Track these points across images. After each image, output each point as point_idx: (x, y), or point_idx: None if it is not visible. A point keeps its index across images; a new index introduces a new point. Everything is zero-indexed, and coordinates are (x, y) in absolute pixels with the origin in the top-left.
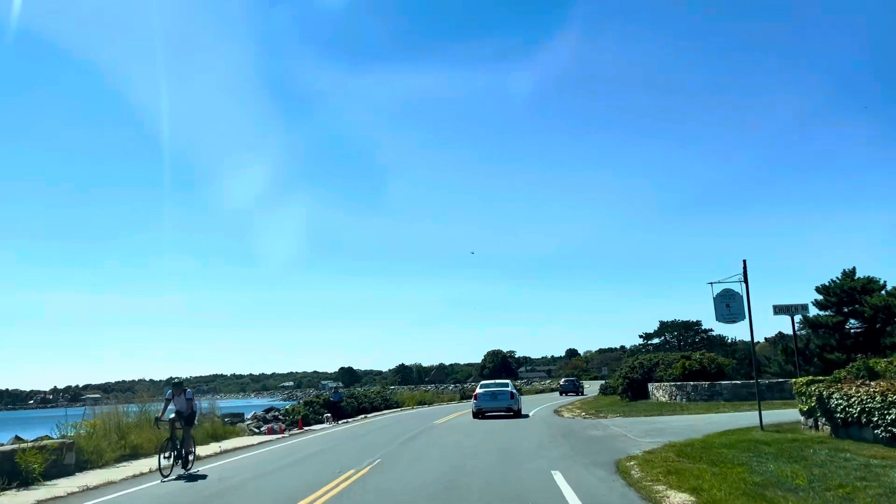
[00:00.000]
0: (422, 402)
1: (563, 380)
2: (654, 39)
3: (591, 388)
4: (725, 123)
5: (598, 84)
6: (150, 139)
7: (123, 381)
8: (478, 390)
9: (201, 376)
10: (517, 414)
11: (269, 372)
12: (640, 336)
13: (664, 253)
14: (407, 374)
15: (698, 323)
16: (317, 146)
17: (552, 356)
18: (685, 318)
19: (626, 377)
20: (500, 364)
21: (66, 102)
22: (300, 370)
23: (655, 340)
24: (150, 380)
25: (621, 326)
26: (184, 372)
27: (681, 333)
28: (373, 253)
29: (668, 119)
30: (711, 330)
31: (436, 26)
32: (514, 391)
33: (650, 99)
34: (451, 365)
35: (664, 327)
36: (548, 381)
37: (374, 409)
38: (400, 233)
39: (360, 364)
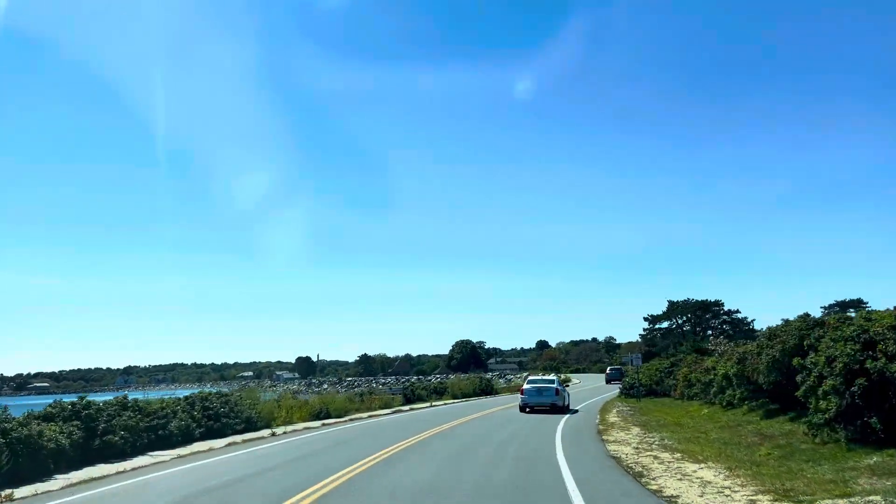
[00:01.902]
0: (319, 416)
1: (609, 368)
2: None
3: (584, 383)
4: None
5: (596, 84)
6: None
7: (78, 370)
8: (524, 386)
9: (161, 365)
10: (563, 410)
11: (231, 361)
12: (646, 319)
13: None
14: (370, 365)
15: (718, 303)
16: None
17: (522, 348)
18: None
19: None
20: (469, 355)
21: (68, 102)
22: (264, 360)
23: (664, 324)
24: (108, 368)
25: (594, 317)
26: (143, 360)
27: (695, 315)
28: (352, 245)
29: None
30: (737, 311)
31: (441, 25)
32: (560, 387)
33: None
34: (418, 356)
35: (674, 309)
36: (523, 375)
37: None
38: (380, 227)
39: (327, 354)
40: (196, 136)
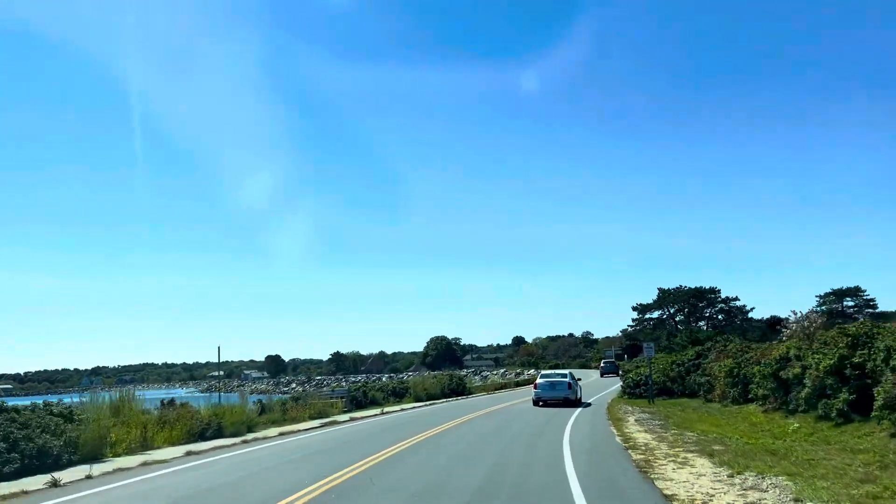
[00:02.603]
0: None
1: (603, 361)
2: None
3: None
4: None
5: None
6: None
7: (45, 371)
8: (538, 380)
9: (130, 365)
10: (576, 403)
11: (203, 361)
12: (635, 308)
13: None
14: (342, 363)
15: (714, 291)
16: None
17: (498, 344)
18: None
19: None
20: (444, 351)
21: (68, 100)
22: (236, 359)
23: (654, 314)
24: (76, 369)
25: (571, 313)
26: (112, 361)
27: (688, 304)
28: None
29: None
30: (736, 299)
31: (446, 28)
32: (573, 381)
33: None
34: (393, 353)
35: (665, 297)
36: (501, 372)
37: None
38: (371, 227)
39: (301, 353)
40: (193, 132)
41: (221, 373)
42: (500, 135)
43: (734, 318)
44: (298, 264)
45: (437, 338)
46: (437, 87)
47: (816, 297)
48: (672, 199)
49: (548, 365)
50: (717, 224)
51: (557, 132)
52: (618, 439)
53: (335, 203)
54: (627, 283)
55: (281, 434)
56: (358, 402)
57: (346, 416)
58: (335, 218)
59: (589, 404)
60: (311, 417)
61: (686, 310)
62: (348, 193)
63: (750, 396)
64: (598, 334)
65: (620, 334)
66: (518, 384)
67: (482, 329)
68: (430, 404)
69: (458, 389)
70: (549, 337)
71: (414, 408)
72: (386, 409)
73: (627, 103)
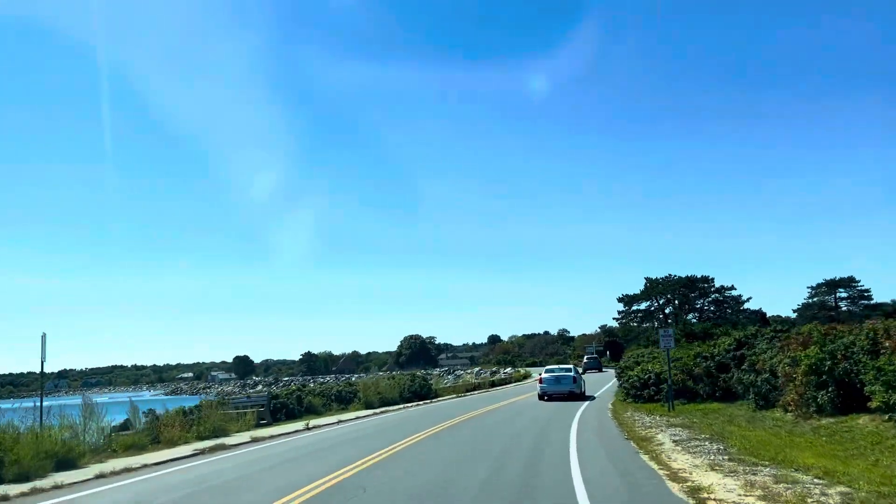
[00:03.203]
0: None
1: (586, 357)
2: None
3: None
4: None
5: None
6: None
7: (9, 374)
8: (543, 375)
9: (98, 368)
10: (580, 397)
11: (173, 363)
12: (620, 300)
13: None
14: (313, 364)
15: (707, 280)
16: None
17: (474, 343)
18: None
19: None
20: (419, 350)
21: (71, 99)
22: (208, 360)
23: (642, 306)
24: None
25: (547, 311)
26: (79, 363)
27: (679, 294)
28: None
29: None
30: (732, 288)
31: (454, 26)
32: (577, 375)
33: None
34: (367, 353)
35: (653, 287)
36: (475, 371)
37: None
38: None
39: (273, 353)
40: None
41: (191, 374)
42: (497, 134)
43: (726, 309)
44: (282, 265)
45: (411, 336)
46: (436, 87)
47: (808, 288)
48: (658, 197)
49: (524, 363)
50: (710, 222)
51: (548, 131)
52: (673, 489)
53: (318, 202)
54: (606, 280)
55: (99, 477)
56: (288, 411)
57: (247, 436)
58: (316, 216)
59: (593, 397)
60: (200, 437)
61: (676, 301)
62: (333, 192)
63: (857, 404)
64: (575, 332)
65: (599, 330)
66: (493, 384)
67: (458, 329)
68: (382, 412)
69: (422, 392)
70: (524, 335)
71: (357, 419)
72: (314, 423)
73: (627, 103)
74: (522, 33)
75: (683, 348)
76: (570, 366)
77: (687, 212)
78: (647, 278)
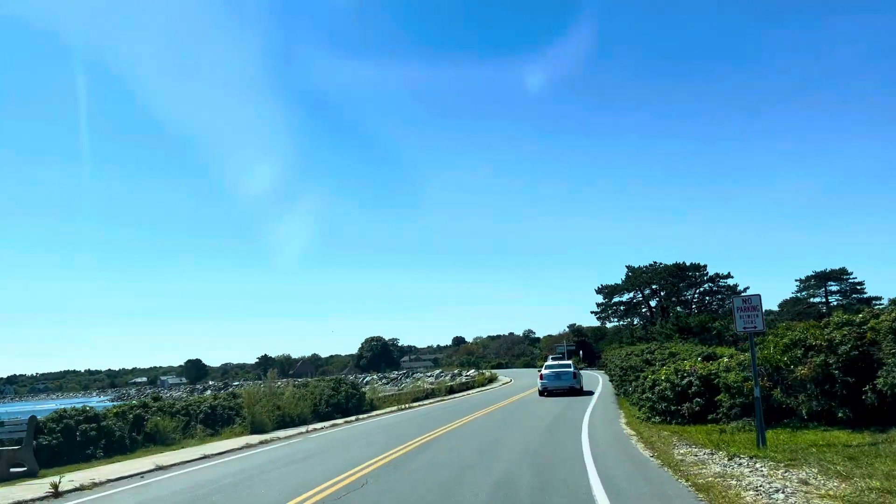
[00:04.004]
0: None
1: (551, 357)
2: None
3: (519, 381)
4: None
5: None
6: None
7: None
8: (543, 371)
9: (50, 373)
10: (580, 392)
11: (129, 367)
12: (599, 291)
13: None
14: (270, 367)
15: (698, 267)
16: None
17: (438, 345)
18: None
19: None
20: (380, 353)
21: (72, 96)
22: (165, 364)
23: (624, 297)
24: None
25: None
26: (30, 368)
27: (667, 284)
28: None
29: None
30: (728, 276)
31: (451, 24)
32: (577, 371)
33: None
34: (330, 357)
35: (636, 277)
36: (436, 373)
37: None
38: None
39: (231, 357)
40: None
41: (145, 379)
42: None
43: (721, 300)
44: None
45: (372, 338)
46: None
47: (796, 281)
48: (637, 194)
49: (489, 364)
50: (701, 219)
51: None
52: None
53: (299, 201)
54: (576, 279)
55: None
56: (110, 443)
57: None
58: (292, 217)
59: (591, 392)
60: None
61: (663, 292)
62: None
63: None
64: (541, 333)
65: (567, 330)
66: (452, 390)
67: (425, 331)
68: (261, 445)
69: (348, 406)
70: (489, 336)
71: (189, 463)
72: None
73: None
74: (519, 29)
75: (818, 329)
76: (569, 362)
77: (666, 208)
78: (628, 266)
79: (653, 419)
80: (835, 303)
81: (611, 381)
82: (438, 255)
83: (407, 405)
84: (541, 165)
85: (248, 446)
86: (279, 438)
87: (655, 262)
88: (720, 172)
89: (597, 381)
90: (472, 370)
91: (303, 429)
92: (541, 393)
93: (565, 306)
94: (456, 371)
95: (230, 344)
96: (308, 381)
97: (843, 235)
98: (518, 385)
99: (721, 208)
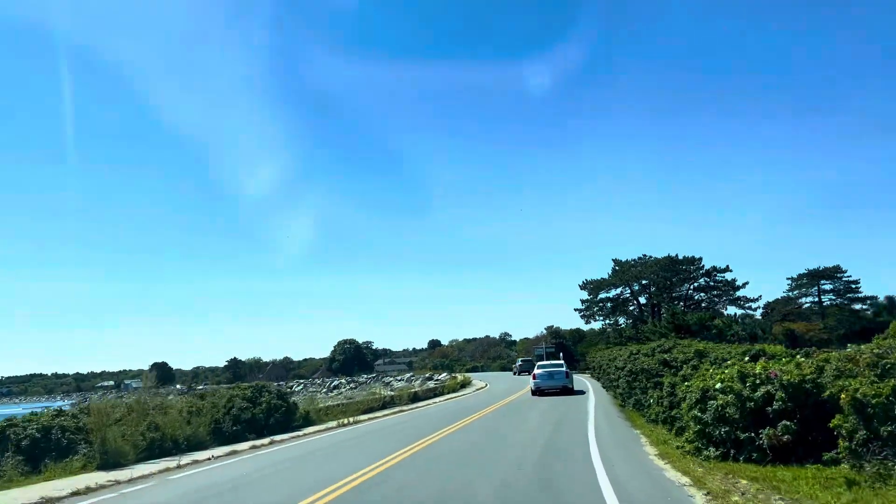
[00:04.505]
0: None
1: (520, 360)
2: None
3: (496, 385)
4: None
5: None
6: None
7: None
8: (536, 371)
9: (15, 376)
10: (572, 391)
11: (98, 370)
12: (584, 286)
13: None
14: (239, 371)
15: (693, 260)
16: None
17: (414, 348)
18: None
19: None
20: (353, 356)
21: (75, 94)
22: (135, 367)
23: (610, 293)
24: None
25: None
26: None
27: (658, 279)
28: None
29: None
30: (726, 269)
31: (453, 23)
32: (569, 371)
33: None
34: (304, 359)
35: (624, 271)
36: (407, 376)
37: None
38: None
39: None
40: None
41: (112, 382)
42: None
43: (719, 297)
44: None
45: (345, 341)
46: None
47: (788, 279)
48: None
49: (464, 367)
50: (695, 212)
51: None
52: None
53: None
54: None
55: None
56: None
57: None
58: (263, 218)
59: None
60: None
61: (653, 287)
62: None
63: None
64: (518, 335)
65: (545, 331)
66: (416, 397)
67: (402, 334)
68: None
69: (274, 421)
70: (465, 339)
71: None
72: None
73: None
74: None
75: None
76: (561, 362)
77: (649, 206)
78: (615, 260)
79: (706, 452)
80: (828, 302)
81: (605, 387)
82: (426, 259)
83: (352, 419)
84: (531, 166)
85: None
86: (125, 481)
87: (645, 255)
88: (721, 171)
89: (585, 386)
90: (445, 373)
91: (175, 461)
92: (534, 392)
93: (545, 307)
94: (426, 375)
95: (203, 347)
96: (217, 390)
97: (840, 231)
98: (494, 391)
99: (719, 203)
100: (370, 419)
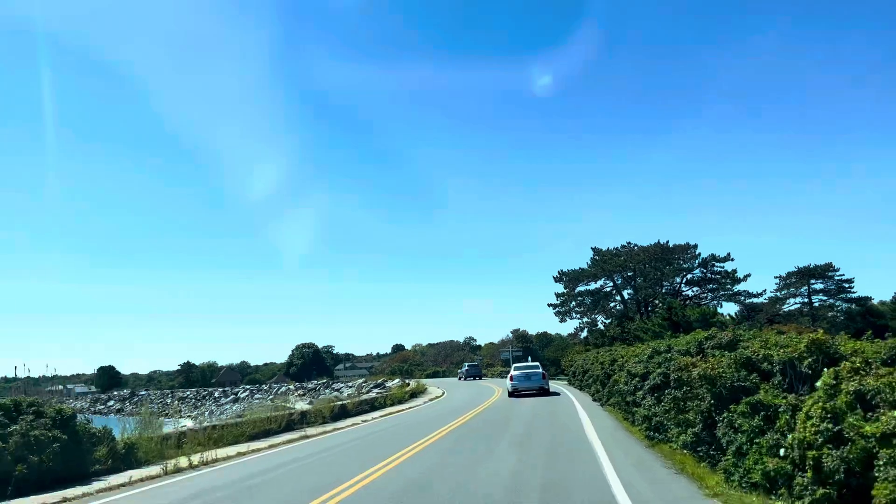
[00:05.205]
0: None
1: (466, 365)
2: None
3: (454, 395)
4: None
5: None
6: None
7: None
8: (513, 372)
9: None
10: (548, 392)
11: (50, 374)
12: (558, 278)
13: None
14: (192, 375)
15: (687, 248)
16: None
17: (378, 353)
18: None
19: None
20: (312, 360)
21: (75, 94)
22: (89, 371)
23: (590, 286)
24: None
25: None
26: None
27: (648, 268)
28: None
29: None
30: (727, 258)
31: (455, 23)
32: (545, 372)
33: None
34: (265, 364)
35: (605, 261)
36: (357, 383)
37: None
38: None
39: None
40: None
41: (61, 387)
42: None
43: (716, 289)
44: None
45: (304, 345)
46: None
47: (776, 278)
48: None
49: (424, 373)
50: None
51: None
52: None
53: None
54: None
55: None
56: None
57: None
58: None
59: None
60: None
61: (638, 279)
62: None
63: None
64: (483, 340)
65: (511, 335)
66: (343, 412)
67: (369, 338)
68: None
69: (51, 466)
70: (429, 344)
71: None
72: None
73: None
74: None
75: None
76: (537, 363)
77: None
78: (595, 249)
79: None
80: (817, 303)
81: (598, 400)
82: (396, 263)
83: (208, 457)
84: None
85: None
86: None
87: (630, 243)
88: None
89: (567, 398)
90: (397, 379)
91: None
92: (510, 394)
93: (513, 312)
94: (379, 381)
95: (158, 351)
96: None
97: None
98: (452, 402)
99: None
100: (239, 456)
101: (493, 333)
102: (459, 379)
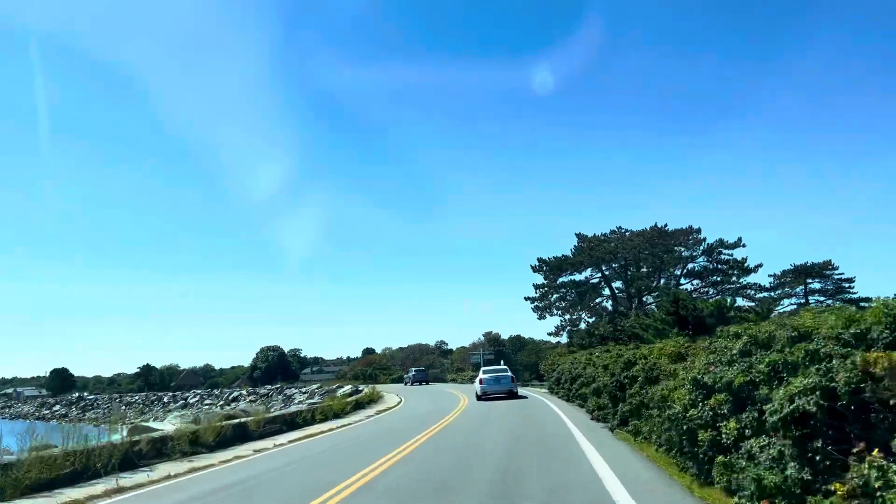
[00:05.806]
0: None
1: (413, 370)
2: None
3: (417, 403)
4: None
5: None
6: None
7: None
8: (482, 376)
9: None
10: (517, 395)
11: (9, 376)
12: (537, 268)
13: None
14: (151, 378)
15: (689, 231)
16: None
17: (348, 357)
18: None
19: None
20: (277, 364)
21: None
22: (43, 374)
23: (576, 276)
24: None
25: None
26: None
27: (643, 255)
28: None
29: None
30: (738, 244)
31: (456, 23)
32: (514, 376)
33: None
34: (232, 367)
35: (592, 248)
36: (312, 388)
37: None
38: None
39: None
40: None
41: (11, 390)
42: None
43: (723, 280)
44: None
45: (268, 348)
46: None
47: (770, 276)
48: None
49: (389, 377)
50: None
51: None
52: None
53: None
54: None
55: None
56: None
57: None
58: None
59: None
60: None
61: (631, 269)
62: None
63: None
64: (454, 344)
65: (482, 338)
66: (242, 433)
67: (340, 342)
68: None
69: None
70: (399, 347)
71: None
72: None
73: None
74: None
75: None
76: (505, 367)
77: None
78: (578, 235)
79: None
80: (814, 303)
81: (599, 419)
82: (372, 265)
83: None
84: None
85: None
86: None
87: (620, 227)
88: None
89: (552, 413)
90: (348, 386)
91: None
92: (479, 397)
93: (487, 314)
94: (335, 386)
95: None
96: None
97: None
98: (404, 416)
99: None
100: None
101: (466, 336)
102: (405, 384)
